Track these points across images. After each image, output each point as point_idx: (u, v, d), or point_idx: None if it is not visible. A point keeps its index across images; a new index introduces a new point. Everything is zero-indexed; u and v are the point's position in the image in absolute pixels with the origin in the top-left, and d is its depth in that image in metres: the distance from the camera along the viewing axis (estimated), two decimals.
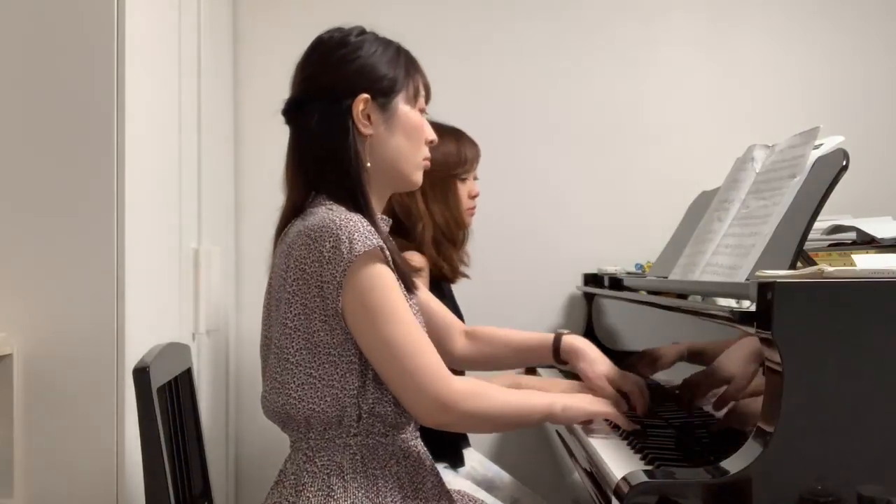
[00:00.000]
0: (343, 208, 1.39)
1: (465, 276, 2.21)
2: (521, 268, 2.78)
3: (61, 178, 1.63)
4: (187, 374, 1.71)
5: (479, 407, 1.39)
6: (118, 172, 1.63)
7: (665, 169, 2.78)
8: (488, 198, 2.75)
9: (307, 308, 1.36)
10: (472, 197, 2.21)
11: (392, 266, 1.40)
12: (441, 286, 2.17)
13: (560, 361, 1.73)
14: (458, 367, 1.77)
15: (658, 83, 2.81)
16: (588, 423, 1.62)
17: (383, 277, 1.36)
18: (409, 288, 1.47)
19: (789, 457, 1.14)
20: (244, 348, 2.71)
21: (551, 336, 1.74)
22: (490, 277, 2.74)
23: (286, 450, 1.47)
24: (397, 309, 1.35)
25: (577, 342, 1.72)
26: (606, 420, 1.62)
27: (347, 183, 1.43)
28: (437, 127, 2.19)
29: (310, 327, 1.36)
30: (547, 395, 1.51)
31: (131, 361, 1.53)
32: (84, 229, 1.62)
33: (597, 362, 1.68)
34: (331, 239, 1.33)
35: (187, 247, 2.11)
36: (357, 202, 1.42)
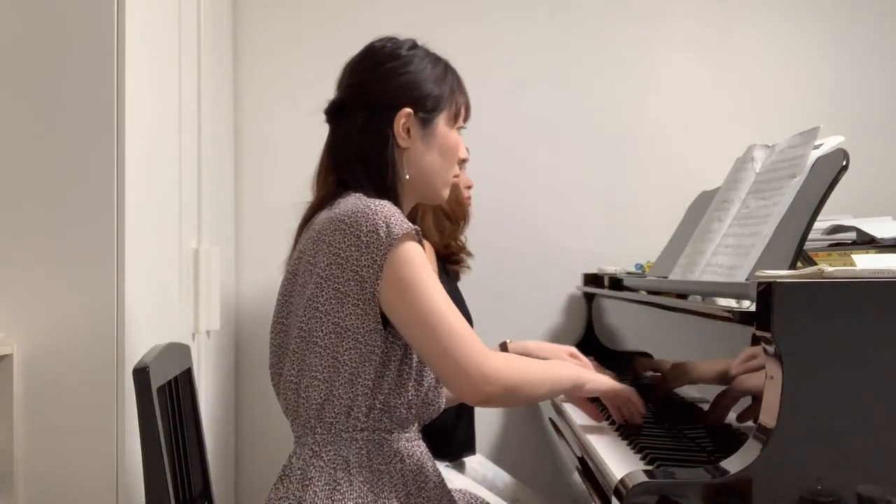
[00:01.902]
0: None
1: (470, 255, 2.30)
2: (521, 268, 2.78)
3: (61, 178, 1.63)
4: (187, 374, 1.71)
5: (518, 377, 1.41)
6: (118, 173, 1.62)
7: (665, 169, 2.78)
8: (489, 197, 2.76)
9: (340, 293, 1.37)
10: (468, 187, 2.31)
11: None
12: (448, 273, 2.21)
13: None
14: None
15: (658, 84, 2.81)
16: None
17: (421, 256, 1.39)
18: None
19: (789, 457, 1.14)
20: (244, 348, 2.71)
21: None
22: (490, 277, 2.74)
23: (287, 449, 1.47)
24: (435, 285, 1.38)
25: (526, 347, 1.83)
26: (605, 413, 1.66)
27: (382, 187, 1.47)
28: None
29: (342, 311, 1.38)
30: (572, 366, 1.58)
31: (131, 361, 1.53)
32: (84, 229, 1.62)
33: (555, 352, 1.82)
34: (367, 224, 1.35)
35: (187, 247, 2.11)
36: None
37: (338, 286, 1.37)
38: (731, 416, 1.38)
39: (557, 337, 2.75)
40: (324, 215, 1.43)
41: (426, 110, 1.50)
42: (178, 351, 1.68)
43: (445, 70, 1.55)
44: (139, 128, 1.71)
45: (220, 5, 2.52)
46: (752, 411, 1.24)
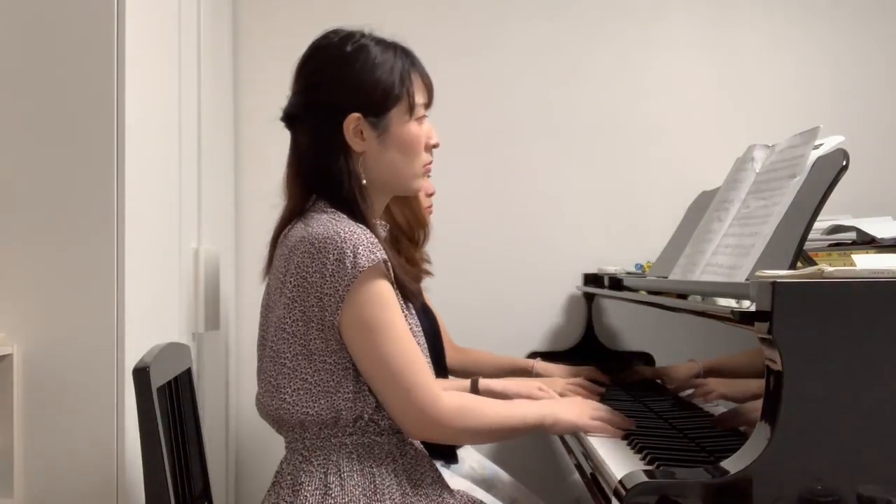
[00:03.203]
0: (346, 216, 1.40)
1: (429, 273, 2.20)
2: (521, 268, 2.78)
3: (61, 178, 1.63)
4: (187, 374, 1.71)
5: (468, 423, 1.42)
6: (118, 172, 1.62)
7: (665, 169, 2.78)
8: (489, 198, 2.76)
9: (305, 316, 1.36)
10: (429, 195, 2.21)
11: (393, 278, 1.41)
12: None
13: None
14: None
15: (658, 83, 2.81)
16: None
17: (384, 295, 1.37)
18: (409, 297, 1.47)
19: (789, 457, 1.14)
20: (244, 348, 2.71)
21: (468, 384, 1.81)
22: (490, 278, 2.74)
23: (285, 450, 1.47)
24: (395, 326, 1.37)
25: (490, 387, 1.78)
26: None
27: (341, 196, 1.43)
28: None
29: (307, 335, 1.37)
30: (539, 406, 1.53)
31: (131, 361, 1.53)
32: (84, 229, 1.62)
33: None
34: (335, 251, 1.33)
35: (187, 247, 2.11)
36: (353, 214, 1.42)
37: (303, 310, 1.36)
38: (732, 416, 1.38)
39: (557, 337, 2.75)
40: (298, 231, 1.40)
41: (375, 112, 1.44)
42: (178, 351, 1.68)
43: (395, 59, 1.47)
44: (139, 128, 1.71)
45: (220, 5, 2.52)
46: (752, 411, 1.24)
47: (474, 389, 1.76)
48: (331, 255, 1.33)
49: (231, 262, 2.64)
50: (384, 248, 1.40)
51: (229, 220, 2.65)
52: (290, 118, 1.49)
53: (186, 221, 2.09)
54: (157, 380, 1.43)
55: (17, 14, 1.64)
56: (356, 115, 1.43)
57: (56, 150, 1.63)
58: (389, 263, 1.39)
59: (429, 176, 1.58)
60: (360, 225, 1.39)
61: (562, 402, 1.62)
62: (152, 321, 1.80)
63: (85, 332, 1.62)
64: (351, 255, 1.33)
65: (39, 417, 1.62)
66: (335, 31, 1.50)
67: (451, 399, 1.41)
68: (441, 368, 2.18)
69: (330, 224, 1.36)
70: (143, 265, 1.73)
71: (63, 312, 1.62)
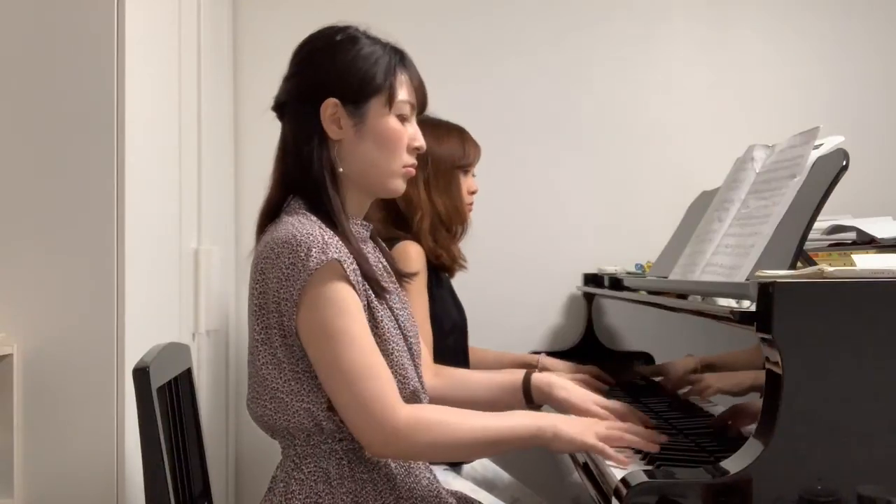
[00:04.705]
0: (312, 217, 1.37)
1: (464, 266, 2.22)
2: (521, 267, 2.78)
3: (61, 178, 1.63)
4: (187, 374, 1.71)
5: (433, 438, 1.32)
6: (118, 172, 1.63)
7: (665, 169, 2.78)
8: (488, 197, 2.75)
9: (268, 324, 1.35)
10: (471, 193, 2.23)
11: (356, 276, 1.35)
12: (440, 277, 2.18)
13: (533, 404, 1.64)
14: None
15: (658, 83, 2.81)
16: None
17: (338, 297, 1.31)
18: (379, 293, 1.40)
19: (789, 457, 1.14)
20: (244, 348, 2.70)
21: (520, 376, 1.65)
22: (490, 277, 2.74)
23: None
24: (350, 331, 1.31)
25: (545, 382, 1.63)
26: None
27: (312, 187, 1.41)
28: (443, 124, 2.20)
29: (272, 342, 1.36)
30: (538, 418, 1.39)
31: (131, 361, 1.53)
32: (84, 229, 1.62)
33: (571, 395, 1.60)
34: (289, 255, 1.31)
35: (187, 247, 2.11)
36: (323, 207, 1.39)
37: (266, 315, 1.35)
38: (732, 416, 1.38)
39: (557, 337, 2.75)
40: (266, 235, 1.38)
41: (354, 100, 1.41)
42: (178, 351, 1.68)
43: (382, 53, 1.44)
44: (139, 128, 1.71)
45: (220, 5, 2.52)
46: (753, 411, 1.24)
47: (527, 379, 1.65)
48: (286, 259, 1.31)
49: (231, 262, 2.64)
50: (353, 247, 1.36)
51: (229, 220, 2.65)
52: (279, 106, 1.48)
53: (186, 221, 2.10)
54: (157, 380, 1.43)
55: (16, 15, 1.64)
56: (333, 100, 1.41)
57: (56, 149, 1.63)
58: (347, 263, 1.33)
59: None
60: (322, 225, 1.35)
61: (567, 416, 1.50)
62: (152, 321, 1.80)
63: (85, 332, 1.62)
64: (304, 256, 1.29)
65: (39, 417, 1.62)
66: (329, 27, 1.49)
67: (411, 411, 1.32)
68: (466, 363, 2.21)
69: (290, 226, 1.33)
70: (143, 265, 1.73)
71: (63, 312, 1.62)
